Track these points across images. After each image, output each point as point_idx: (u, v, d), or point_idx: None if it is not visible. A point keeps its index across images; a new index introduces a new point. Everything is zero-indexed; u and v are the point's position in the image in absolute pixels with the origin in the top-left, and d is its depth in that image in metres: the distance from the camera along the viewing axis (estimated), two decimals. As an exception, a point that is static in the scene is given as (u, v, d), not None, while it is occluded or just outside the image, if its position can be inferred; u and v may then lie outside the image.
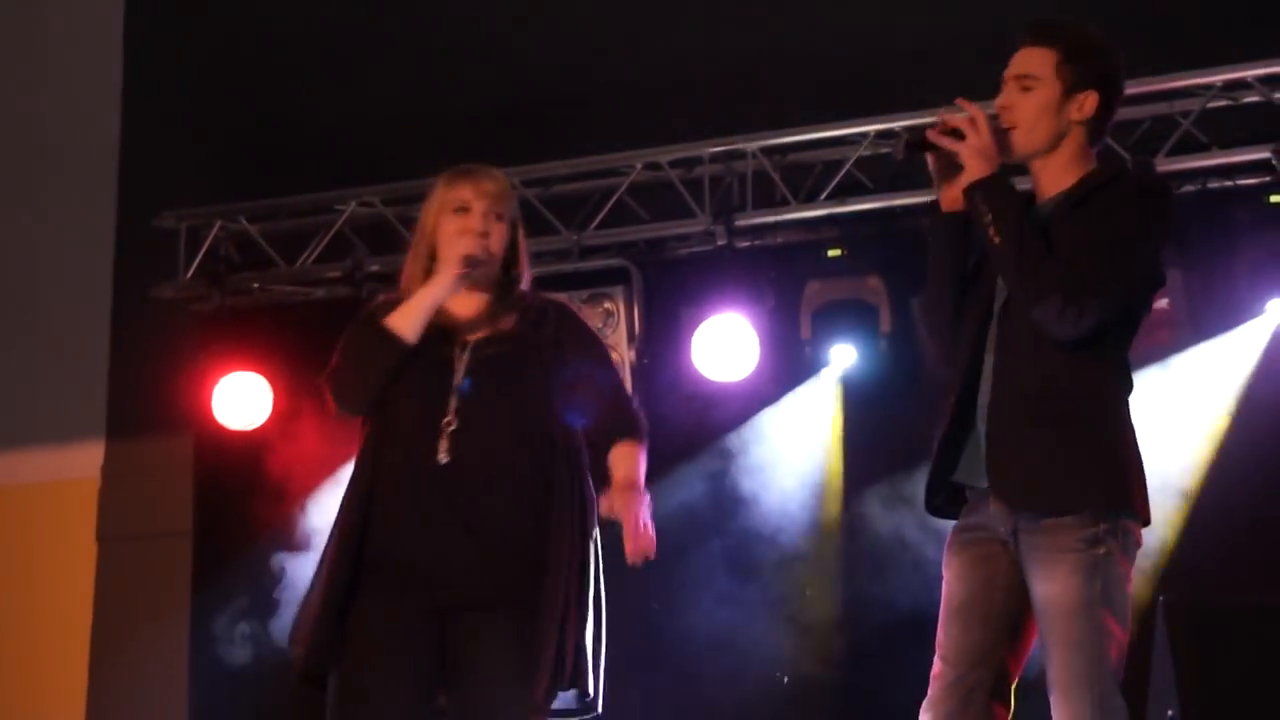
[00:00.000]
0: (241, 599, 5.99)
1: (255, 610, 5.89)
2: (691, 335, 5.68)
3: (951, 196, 2.93)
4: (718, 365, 5.65)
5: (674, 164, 5.80)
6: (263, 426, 6.07)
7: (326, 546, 3.13)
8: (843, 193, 5.50)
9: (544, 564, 3.03)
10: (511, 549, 3.06)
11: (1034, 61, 2.86)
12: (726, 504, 5.57)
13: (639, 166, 5.81)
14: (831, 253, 5.54)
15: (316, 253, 6.18)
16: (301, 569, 5.57)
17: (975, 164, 2.87)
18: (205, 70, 6.55)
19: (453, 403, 3.06)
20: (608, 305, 5.75)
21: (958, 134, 2.87)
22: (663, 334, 5.81)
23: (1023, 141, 2.87)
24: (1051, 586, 2.75)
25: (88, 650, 6.41)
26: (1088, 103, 2.86)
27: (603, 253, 5.85)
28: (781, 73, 5.78)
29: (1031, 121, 2.86)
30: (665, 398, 5.68)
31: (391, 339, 3.11)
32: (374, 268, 6.09)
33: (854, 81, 5.62)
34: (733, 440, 5.70)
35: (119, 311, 6.59)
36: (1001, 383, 2.81)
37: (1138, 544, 2.80)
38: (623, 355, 5.67)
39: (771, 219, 5.56)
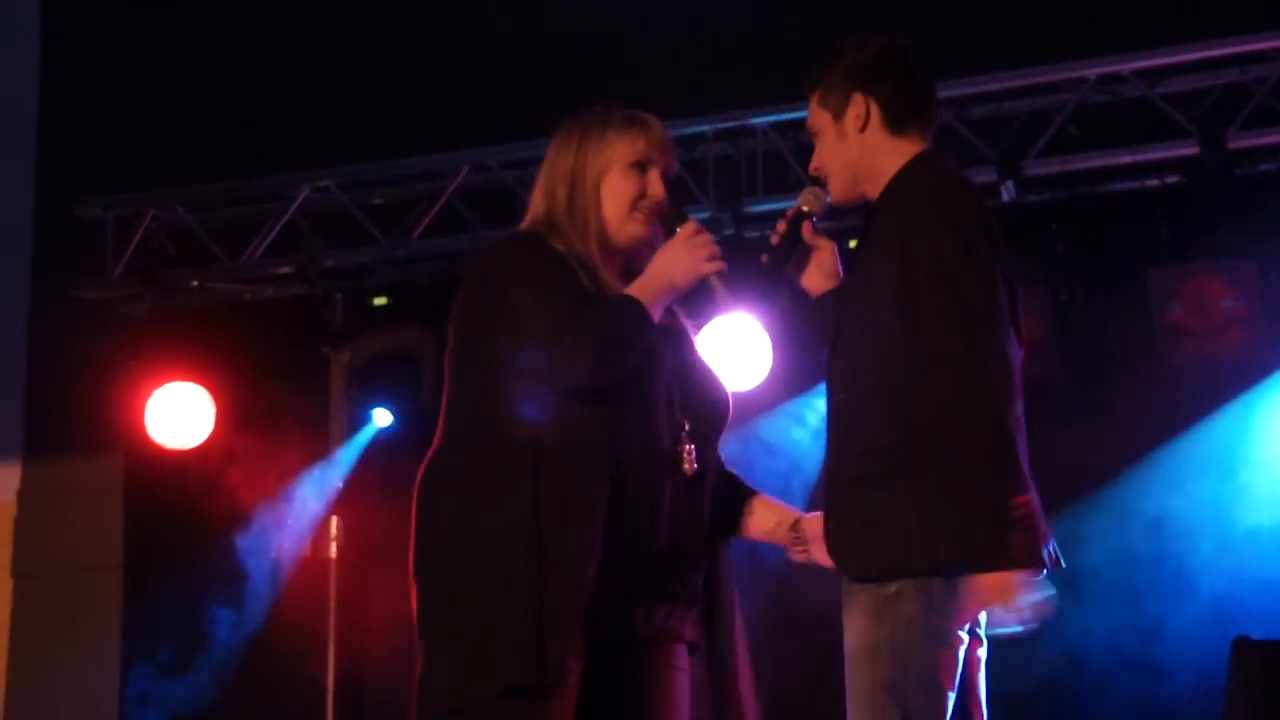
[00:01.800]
0: (178, 644, 5.99)
1: (193, 657, 5.89)
2: (696, 335, 5.63)
3: (819, 279, 3.13)
4: (726, 372, 5.57)
5: (675, 142, 5.72)
6: (202, 445, 6.09)
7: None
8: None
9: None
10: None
11: (810, 114, 3.07)
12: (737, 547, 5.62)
13: None
14: (854, 244, 5.55)
15: (264, 245, 6.19)
16: (246, 608, 5.56)
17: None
18: (134, 38, 6.53)
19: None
20: (598, 305, 5.75)
21: (795, 224, 3.08)
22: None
23: (837, 190, 3.04)
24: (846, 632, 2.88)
25: (1, 702, 6.39)
26: (855, 108, 2.99)
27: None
28: (795, 38, 5.68)
29: (829, 167, 3.03)
30: None
31: (649, 319, 2.93)
32: (331, 262, 6.09)
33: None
34: (741, 460, 5.67)
35: (37, 314, 6.60)
36: (835, 431, 2.96)
37: (969, 598, 2.80)
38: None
39: (785, 205, 5.53)
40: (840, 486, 2.90)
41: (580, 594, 2.82)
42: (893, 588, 2.80)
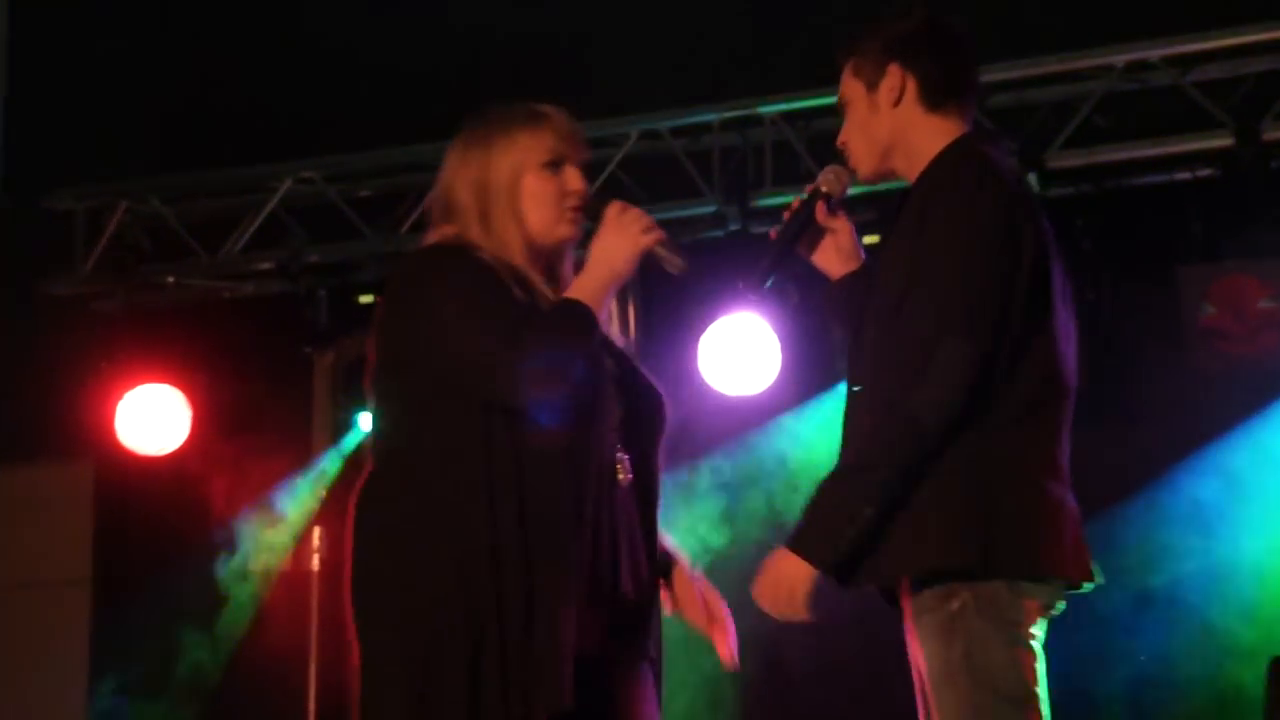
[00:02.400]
0: (150, 663, 5.98)
1: (166, 677, 5.89)
2: (698, 340, 5.72)
3: (836, 261, 3.12)
4: (731, 376, 5.69)
5: (677, 132, 5.84)
6: (178, 452, 6.09)
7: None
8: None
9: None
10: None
11: (841, 83, 3.04)
12: (746, 560, 5.63)
13: (634, 135, 5.84)
14: (869, 239, 5.54)
15: (244, 240, 6.20)
16: (223, 625, 5.59)
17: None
18: (108, 21, 6.51)
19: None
20: (595, 303, 5.72)
21: (809, 203, 3.06)
22: (663, 338, 5.67)
23: (864, 164, 3.02)
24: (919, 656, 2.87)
25: (-37, 723, 6.43)
26: (891, 80, 2.97)
27: (590, 239, 5.79)
28: (806, 21, 5.76)
29: (856, 141, 3.02)
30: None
31: (593, 320, 2.92)
32: (314, 258, 6.10)
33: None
34: (750, 470, 5.74)
35: (2, 311, 6.53)
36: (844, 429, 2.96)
37: (1033, 608, 2.82)
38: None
39: (794, 199, 5.55)
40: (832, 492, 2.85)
41: (557, 635, 2.78)
42: (955, 603, 2.78)
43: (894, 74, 2.97)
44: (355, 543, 2.91)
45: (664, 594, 3.08)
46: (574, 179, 3.03)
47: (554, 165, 3.01)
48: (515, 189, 2.99)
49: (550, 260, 3.04)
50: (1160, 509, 5.37)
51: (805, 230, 3.07)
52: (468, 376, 2.83)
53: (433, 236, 3.02)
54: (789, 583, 2.78)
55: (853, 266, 3.10)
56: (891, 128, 2.97)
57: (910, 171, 2.98)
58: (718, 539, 5.64)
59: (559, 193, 3.01)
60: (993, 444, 2.77)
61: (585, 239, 3.03)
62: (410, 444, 2.89)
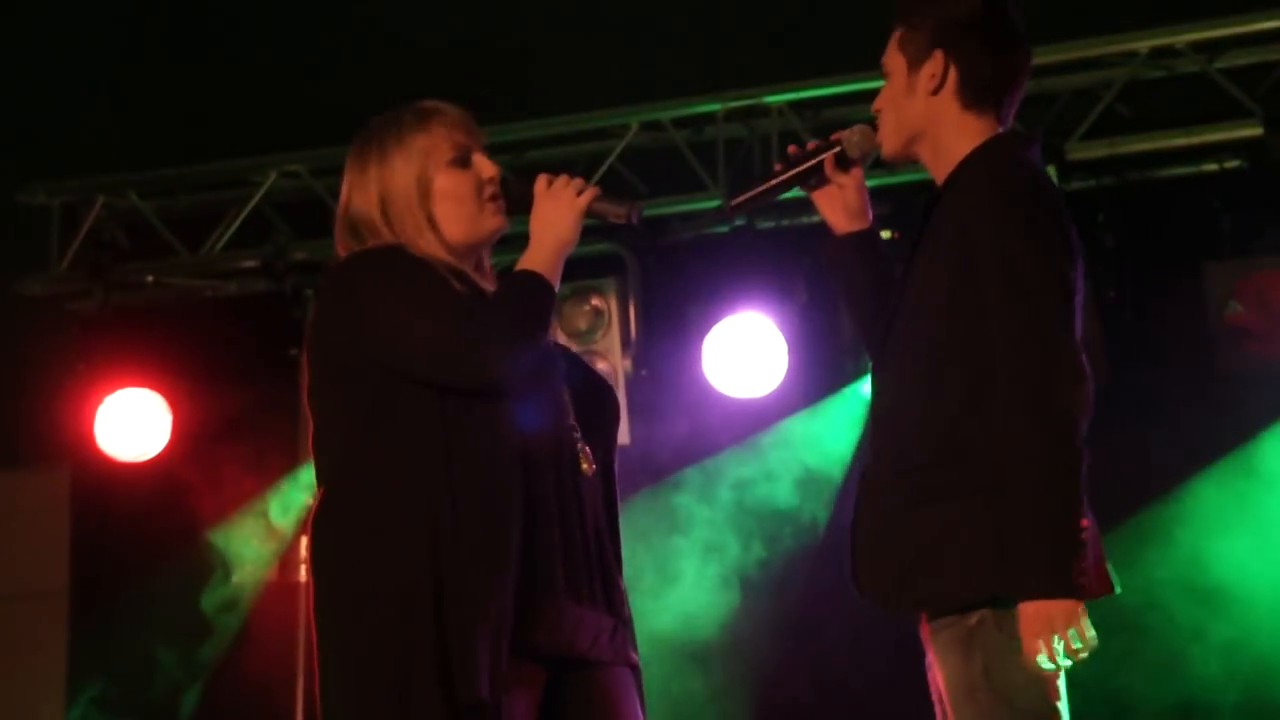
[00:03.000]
0: (128, 678, 5.97)
1: (145, 692, 5.89)
2: (702, 340, 5.71)
3: (841, 217, 3.12)
4: (736, 378, 5.69)
5: (679, 123, 5.83)
6: (158, 458, 6.08)
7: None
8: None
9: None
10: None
11: (887, 48, 3.04)
12: (751, 567, 5.62)
13: (635, 126, 5.82)
14: (883, 235, 5.59)
15: (227, 237, 6.18)
16: (205, 638, 5.62)
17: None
18: (84, 10, 6.49)
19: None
20: (596, 302, 5.72)
21: (819, 151, 3.08)
22: (666, 338, 5.80)
23: (888, 141, 3.02)
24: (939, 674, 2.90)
25: (-67, 741, 6.43)
26: (933, 66, 2.96)
27: (589, 236, 5.72)
28: (815, 7, 5.78)
29: (887, 116, 3.01)
30: (668, 420, 5.66)
31: (552, 292, 2.93)
32: (300, 256, 6.09)
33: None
34: (756, 475, 5.71)
35: (-26, 312, 6.62)
36: (869, 445, 2.97)
37: (1032, 626, 2.82)
38: (615, 365, 5.65)
39: (802, 194, 5.58)
40: (889, 506, 2.88)
41: (486, 626, 2.77)
42: (974, 618, 2.80)
43: (937, 61, 2.96)
44: (315, 564, 2.88)
45: None
46: (486, 167, 3.02)
47: (461, 160, 3.00)
48: (426, 195, 2.97)
49: (478, 258, 3.04)
50: (1185, 512, 5.39)
51: (810, 176, 3.07)
52: (425, 365, 2.81)
53: (343, 253, 2.99)
54: (1063, 623, 2.73)
55: (859, 225, 3.10)
56: (924, 115, 2.97)
57: (935, 166, 2.98)
58: (729, 548, 5.65)
59: (475, 185, 3.00)
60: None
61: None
62: (361, 460, 2.85)
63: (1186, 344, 5.55)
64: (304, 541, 5.87)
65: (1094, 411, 2.82)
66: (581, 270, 5.64)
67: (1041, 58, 5.43)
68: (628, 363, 5.73)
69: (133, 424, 6.06)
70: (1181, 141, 5.41)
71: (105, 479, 6.11)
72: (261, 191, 6.12)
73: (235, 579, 6.03)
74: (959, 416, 2.81)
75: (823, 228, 3.15)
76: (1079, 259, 2.85)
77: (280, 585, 6.00)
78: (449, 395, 2.81)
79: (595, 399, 3.06)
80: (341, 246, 2.99)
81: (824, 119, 5.68)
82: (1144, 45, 5.41)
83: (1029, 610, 2.74)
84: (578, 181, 2.99)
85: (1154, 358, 5.61)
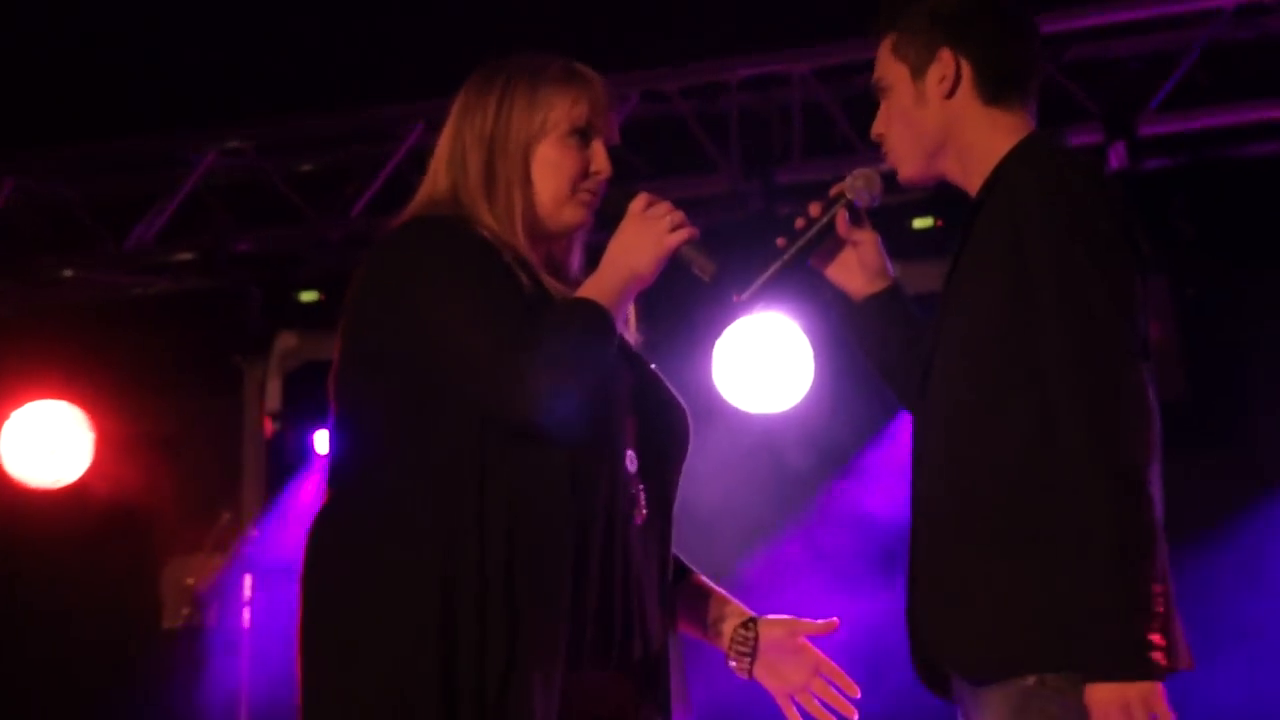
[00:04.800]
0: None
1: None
2: (713, 345, 5.74)
3: (859, 279, 3.15)
4: (752, 390, 5.69)
5: (687, 93, 5.81)
6: (77, 483, 6.09)
7: None
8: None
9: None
10: None
11: (879, 61, 3.05)
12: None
13: (635, 97, 5.79)
14: (919, 222, 5.62)
15: (159, 225, 6.14)
16: (132, 693, 5.59)
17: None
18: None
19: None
20: (589, 301, 5.71)
21: (829, 209, 3.10)
22: (670, 342, 5.60)
23: (907, 165, 3.03)
24: None
25: None
26: (942, 67, 2.97)
27: (606, 225, 5.83)
28: None
29: (897, 135, 3.03)
30: None
31: (612, 326, 2.94)
32: (245, 247, 6.07)
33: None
34: (777, 501, 5.74)
35: None
36: (915, 492, 2.98)
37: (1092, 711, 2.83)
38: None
39: (829, 174, 5.35)
40: (961, 556, 2.87)
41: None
42: (1030, 679, 2.78)
43: (946, 60, 2.96)
44: (307, 584, 2.89)
45: (730, 645, 3.12)
46: (601, 159, 3.03)
47: (582, 135, 3.02)
48: (529, 154, 3.01)
49: (551, 251, 3.07)
50: (1270, 535, 5.45)
51: (820, 242, 3.10)
52: (467, 382, 2.84)
53: (418, 206, 3.03)
54: (1140, 709, 2.72)
55: (879, 286, 3.12)
56: (942, 123, 2.97)
57: (966, 175, 2.98)
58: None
59: (579, 169, 3.02)
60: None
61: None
62: (386, 464, 2.88)
63: (1274, 349, 5.59)
64: (246, 581, 6.02)
65: (1161, 443, 2.81)
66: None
67: (1108, 16, 5.47)
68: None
69: (46, 443, 6.07)
70: (1271, 114, 5.39)
71: (14, 507, 6.10)
72: (199, 172, 6.08)
73: (166, 625, 6.04)
74: (1030, 450, 2.80)
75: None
76: (1143, 267, 2.85)
77: (219, 630, 6.00)
78: (492, 418, 2.86)
79: (663, 427, 3.04)
80: (424, 186, 3.04)
81: (853, 89, 5.64)
82: (1229, 1, 5.37)
83: (1100, 694, 2.71)
84: (678, 215, 2.97)
85: (1236, 365, 5.64)
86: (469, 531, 2.82)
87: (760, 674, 3.09)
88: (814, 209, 3.07)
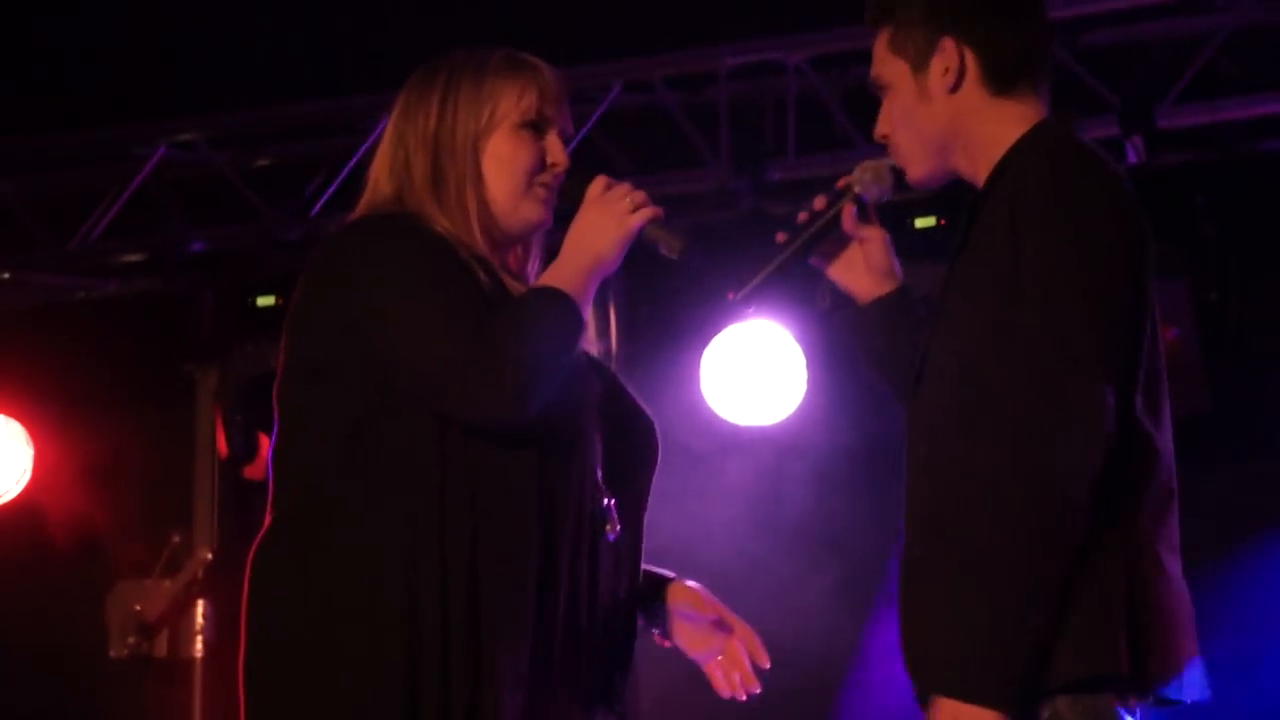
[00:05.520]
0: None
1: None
2: (700, 353, 5.72)
3: (865, 280, 3.16)
4: (741, 400, 5.69)
5: (672, 82, 5.78)
6: (14, 502, 6.07)
7: None
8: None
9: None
10: None
11: (875, 57, 3.04)
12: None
13: (617, 87, 5.80)
14: (922, 221, 5.56)
15: (105, 223, 6.10)
16: None
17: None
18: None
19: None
20: (568, 305, 5.73)
21: (835, 203, 3.11)
22: (655, 351, 5.70)
23: (915, 165, 3.03)
24: None
25: None
26: (944, 58, 2.96)
27: (561, 223, 5.75)
28: None
29: (902, 135, 3.03)
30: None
31: (579, 315, 2.98)
32: (197, 247, 6.04)
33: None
34: (770, 523, 5.71)
35: None
36: (908, 504, 3.00)
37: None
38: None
39: (825, 171, 5.44)
40: (910, 573, 2.90)
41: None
42: (1045, 712, 2.78)
43: (948, 51, 2.94)
44: (252, 615, 2.90)
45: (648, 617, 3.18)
46: (557, 150, 3.06)
47: (534, 127, 3.04)
48: (479, 149, 3.04)
49: (507, 259, 3.09)
50: None
51: (824, 238, 3.10)
52: (426, 386, 2.86)
53: (365, 207, 3.04)
54: None
55: (887, 288, 3.13)
56: (948, 119, 2.97)
57: (977, 169, 2.97)
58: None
59: (533, 162, 3.04)
60: (1117, 517, 2.79)
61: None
62: (337, 479, 2.89)
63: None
64: (199, 607, 6.02)
65: (1175, 439, 2.85)
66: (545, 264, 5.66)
67: (1123, 1, 5.44)
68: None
69: (-17, 459, 6.09)
70: (1300, 104, 5.41)
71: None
72: (148, 167, 6.04)
73: (113, 654, 5.99)
74: (966, 457, 2.79)
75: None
76: (1149, 275, 2.83)
77: (169, 662, 5.99)
78: (452, 425, 2.86)
79: (631, 438, 3.06)
80: (369, 190, 3.07)
81: (853, 79, 5.61)
82: (1255, -20, 5.40)
83: (943, 710, 2.75)
84: (639, 195, 3.01)
85: (1263, 374, 5.60)
86: (430, 552, 2.82)
87: (678, 640, 3.15)
88: (818, 202, 3.07)
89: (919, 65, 2.95)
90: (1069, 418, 2.70)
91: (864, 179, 3.06)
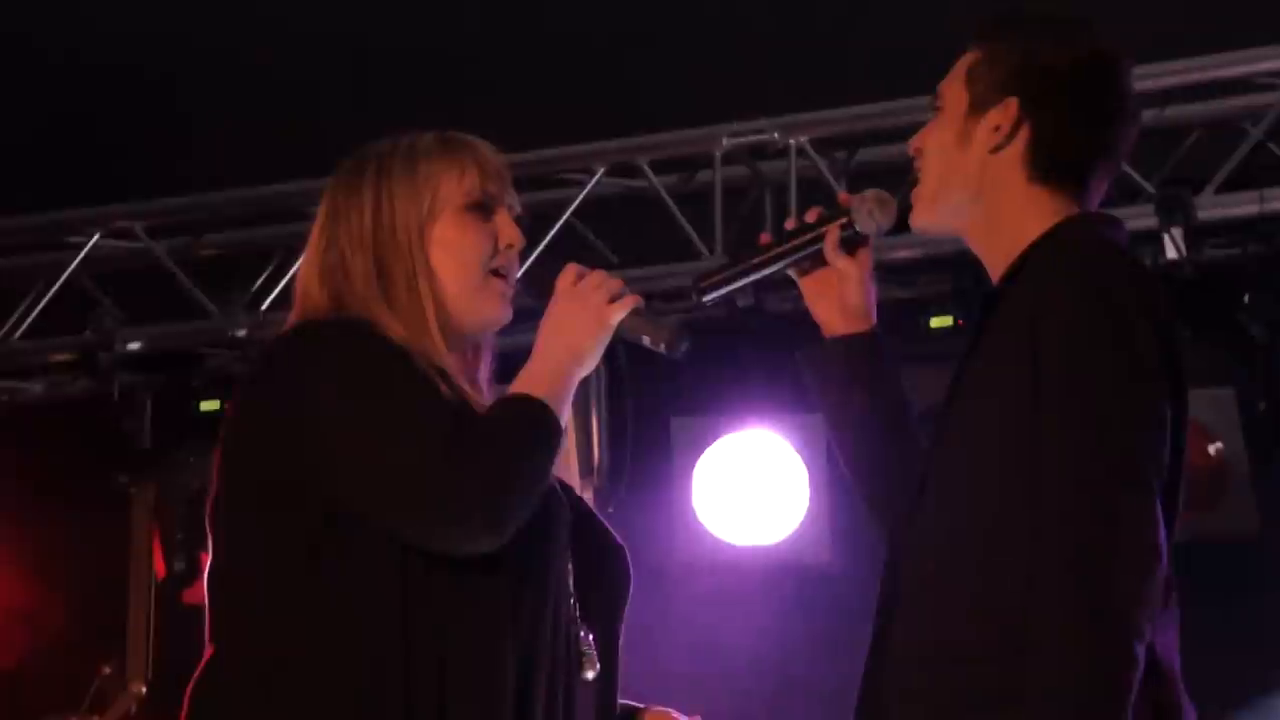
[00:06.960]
0: None
1: None
2: (694, 464, 5.78)
3: (836, 316, 3.20)
4: (738, 517, 5.75)
5: (662, 165, 5.85)
6: None
7: None
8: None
9: None
10: None
11: (952, 71, 3.10)
12: None
13: (600, 170, 5.86)
14: (937, 321, 5.64)
15: (31, 318, 6.15)
16: None
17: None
18: None
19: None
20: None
21: (822, 223, 3.14)
22: (644, 461, 5.64)
23: (920, 198, 3.08)
24: None
25: None
26: (999, 116, 3.00)
27: (536, 317, 5.75)
28: (842, 23, 5.76)
29: (934, 163, 3.08)
30: (647, 571, 5.63)
31: (557, 425, 2.96)
32: (135, 345, 6.05)
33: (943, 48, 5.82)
34: (770, 654, 5.74)
35: None
36: (903, 626, 3.00)
37: None
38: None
39: (812, 209, 5.62)
40: (938, 706, 2.89)
41: None
42: None
43: (1009, 110, 2.98)
44: None
45: None
46: (510, 230, 3.06)
47: (480, 208, 3.05)
48: (424, 240, 3.03)
49: (462, 355, 3.09)
50: None
51: (800, 257, 3.13)
52: (386, 508, 2.83)
53: (299, 319, 3.03)
54: None
55: (857, 328, 3.16)
56: (978, 177, 3.02)
57: (989, 249, 3.02)
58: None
59: (485, 246, 3.03)
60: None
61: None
62: (282, 611, 2.88)
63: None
64: None
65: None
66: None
67: (1166, 78, 5.47)
68: (590, 492, 5.68)
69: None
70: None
71: None
72: (80, 256, 6.09)
73: None
74: (993, 585, 2.83)
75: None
76: (1180, 386, 2.86)
77: None
78: (414, 551, 2.83)
79: (602, 569, 3.05)
80: (299, 303, 3.04)
81: (860, 163, 5.69)
82: (1303, 61, 5.41)
83: None
84: (615, 284, 2.99)
85: None
86: (390, 692, 2.81)
87: None
88: (810, 215, 3.11)
89: (976, 106, 2.99)
90: (1135, 551, 2.74)
91: (864, 207, 3.09)
